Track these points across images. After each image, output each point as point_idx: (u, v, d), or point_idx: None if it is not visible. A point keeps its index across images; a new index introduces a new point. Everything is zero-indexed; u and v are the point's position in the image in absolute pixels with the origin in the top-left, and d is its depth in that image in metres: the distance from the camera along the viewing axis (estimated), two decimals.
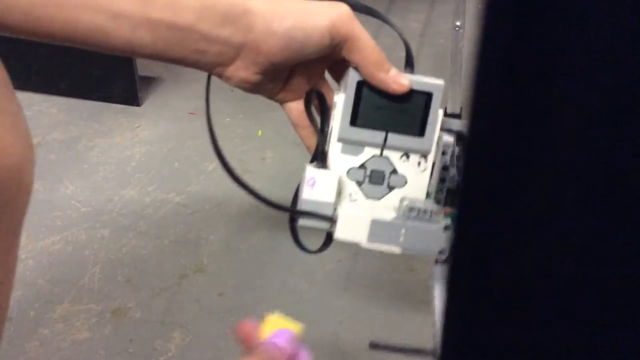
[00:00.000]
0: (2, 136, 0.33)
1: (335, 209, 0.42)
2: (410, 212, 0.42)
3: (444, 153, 0.43)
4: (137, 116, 1.35)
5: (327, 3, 0.40)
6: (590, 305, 0.23)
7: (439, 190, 0.44)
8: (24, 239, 1.01)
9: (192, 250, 0.98)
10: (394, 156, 0.44)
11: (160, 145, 1.25)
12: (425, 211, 0.42)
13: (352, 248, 0.97)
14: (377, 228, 0.41)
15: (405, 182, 0.44)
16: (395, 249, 0.42)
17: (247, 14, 0.38)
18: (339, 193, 0.43)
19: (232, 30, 0.38)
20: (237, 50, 0.39)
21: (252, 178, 1.15)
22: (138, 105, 1.39)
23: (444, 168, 0.43)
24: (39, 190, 1.12)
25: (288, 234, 0.44)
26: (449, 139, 0.44)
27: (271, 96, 0.45)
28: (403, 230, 0.41)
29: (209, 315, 0.87)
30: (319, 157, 0.43)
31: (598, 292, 0.23)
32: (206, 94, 0.44)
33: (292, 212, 0.42)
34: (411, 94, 0.43)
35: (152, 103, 1.40)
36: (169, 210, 1.07)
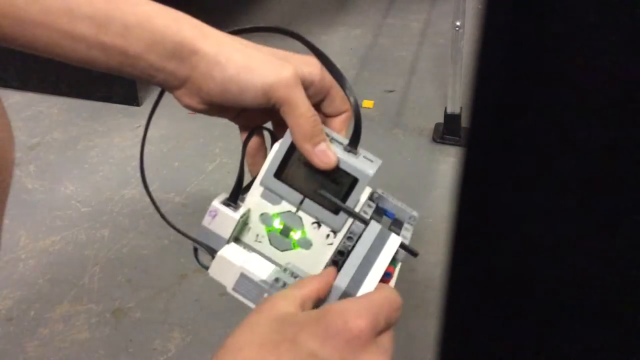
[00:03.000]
0: None
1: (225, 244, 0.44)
2: (277, 282, 0.42)
3: (348, 238, 0.43)
4: (137, 116, 1.35)
5: (272, 62, 0.41)
6: (590, 305, 0.23)
7: (334, 261, 0.43)
8: (24, 239, 1.01)
9: (192, 250, 0.98)
10: (307, 219, 0.44)
11: (160, 145, 1.25)
12: (296, 278, 0.43)
13: None
14: (244, 282, 0.43)
15: (310, 246, 0.44)
16: (254, 307, 0.42)
17: (194, 54, 0.40)
18: (247, 229, 0.45)
19: (178, 64, 0.40)
20: (182, 81, 0.41)
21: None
22: (138, 105, 1.39)
23: (340, 253, 0.43)
24: (39, 190, 1.12)
25: None
26: (357, 229, 0.43)
27: (228, 118, 0.46)
28: (265, 294, 0.42)
29: (209, 315, 0.87)
30: (232, 195, 0.45)
31: (598, 291, 0.23)
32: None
33: (190, 238, 0.47)
34: (340, 171, 0.42)
35: (152, 103, 1.40)
36: (169, 210, 1.07)
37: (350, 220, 0.43)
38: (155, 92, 0.46)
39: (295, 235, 0.44)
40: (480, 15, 0.20)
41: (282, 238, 0.45)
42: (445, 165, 1.19)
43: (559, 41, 0.19)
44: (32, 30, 0.37)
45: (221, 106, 0.42)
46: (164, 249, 0.99)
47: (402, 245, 0.42)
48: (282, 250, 0.45)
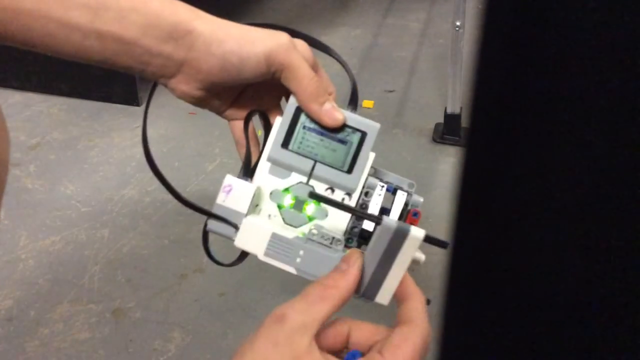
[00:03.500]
0: None
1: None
2: (312, 235, 0.41)
3: (366, 194, 0.43)
4: (137, 116, 1.35)
5: (268, 31, 0.41)
6: (590, 305, 0.23)
7: (353, 227, 0.43)
8: (23, 239, 1.01)
9: (192, 250, 0.98)
10: (320, 187, 0.43)
11: (160, 145, 1.25)
12: (327, 237, 0.41)
13: None
14: (276, 243, 0.41)
15: (326, 215, 0.43)
16: (290, 269, 0.41)
17: (190, 34, 0.40)
18: (258, 211, 0.43)
19: (174, 47, 0.40)
20: (178, 66, 0.41)
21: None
22: (138, 105, 1.39)
23: (363, 207, 0.43)
24: (39, 190, 1.12)
25: None
26: (374, 181, 0.43)
27: (218, 112, 0.47)
28: (301, 252, 0.41)
29: (209, 315, 0.87)
30: (244, 169, 0.44)
31: (598, 292, 0.23)
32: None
33: (204, 213, 0.43)
34: (347, 129, 0.43)
35: (152, 103, 1.39)
36: (169, 210, 1.07)
37: (364, 177, 0.43)
38: (156, 92, 0.46)
39: (309, 207, 0.43)
40: (480, 15, 0.20)
41: (295, 213, 0.43)
42: (445, 165, 1.19)
43: (559, 41, 0.19)
44: (27, 21, 0.37)
45: (219, 87, 0.42)
46: (164, 249, 0.99)
47: (427, 238, 0.37)
48: (297, 227, 0.43)
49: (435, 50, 1.64)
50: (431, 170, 1.18)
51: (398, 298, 0.40)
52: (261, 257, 0.41)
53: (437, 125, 1.30)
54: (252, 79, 0.42)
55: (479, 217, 0.23)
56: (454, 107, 1.25)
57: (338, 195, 0.43)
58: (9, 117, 0.45)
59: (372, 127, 0.43)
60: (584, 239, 0.22)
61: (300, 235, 0.42)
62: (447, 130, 1.27)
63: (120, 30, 0.38)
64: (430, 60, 1.60)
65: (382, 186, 0.43)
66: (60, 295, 0.90)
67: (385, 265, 0.37)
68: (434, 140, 1.27)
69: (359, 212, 0.41)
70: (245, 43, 0.40)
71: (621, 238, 0.21)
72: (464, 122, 1.21)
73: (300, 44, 0.43)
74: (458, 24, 1.16)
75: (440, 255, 1.04)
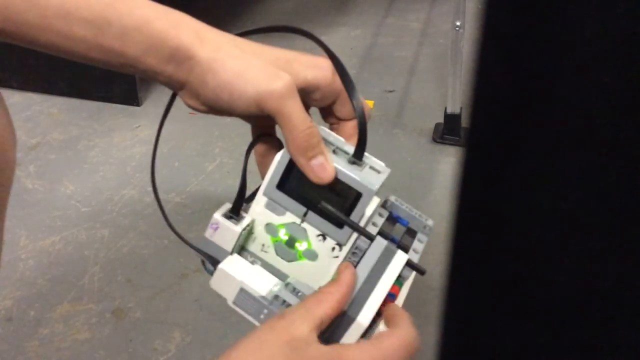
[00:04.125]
0: None
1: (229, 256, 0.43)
2: (276, 299, 0.41)
3: (353, 254, 0.42)
4: (137, 116, 1.35)
5: (266, 72, 0.39)
6: (590, 305, 0.23)
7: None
8: (23, 239, 1.01)
9: (192, 250, 0.98)
10: (312, 231, 0.43)
11: (161, 145, 1.24)
12: (299, 294, 0.42)
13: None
14: (244, 297, 0.42)
15: (316, 257, 0.43)
16: (255, 322, 0.42)
17: (190, 59, 0.39)
18: (253, 239, 0.44)
19: (175, 68, 0.40)
20: (181, 85, 0.41)
21: (252, 177, 1.14)
22: (138, 105, 1.39)
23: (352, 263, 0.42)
24: (39, 190, 1.12)
25: None
26: (363, 244, 0.42)
27: (241, 118, 0.46)
28: (265, 311, 0.41)
29: (209, 315, 0.87)
30: (233, 208, 0.44)
31: (598, 292, 0.22)
32: (165, 110, 0.46)
33: (192, 247, 0.45)
34: (342, 184, 0.40)
35: (152, 103, 1.40)
36: (169, 210, 1.06)
37: (356, 234, 0.42)
38: (156, 92, 0.46)
39: (301, 246, 0.43)
40: (480, 15, 0.20)
41: (287, 249, 0.44)
42: (445, 165, 1.19)
43: (559, 41, 0.19)
44: (30, 32, 0.38)
45: (219, 110, 0.42)
46: (164, 249, 0.99)
47: (408, 263, 0.41)
48: (288, 261, 0.44)
49: (435, 50, 1.64)
50: (431, 170, 1.18)
51: (385, 320, 0.41)
52: (230, 303, 0.43)
53: (437, 125, 1.30)
54: (245, 115, 0.41)
55: (479, 217, 0.23)
56: (454, 107, 1.25)
57: (329, 244, 0.43)
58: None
59: (367, 189, 0.40)
60: (583, 238, 0.22)
61: (271, 291, 0.42)
62: (447, 130, 1.27)
63: (123, 47, 0.38)
64: (430, 60, 1.60)
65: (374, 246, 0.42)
66: (60, 295, 0.90)
67: (372, 283, 0.39)
68: (434, 140, 1.27)
69: (359, 229, 0.41)
70: (238, 80, 0.39)
71: (621, 238, 0.21)
72: (464, 122, 1.21)
73: (320, 64, 0.40)
74: (458, 24, 1.16)
75: (440, 256, 1.04)
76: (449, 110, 1.26)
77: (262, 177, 0.44)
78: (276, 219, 0.43)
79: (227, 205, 0.44)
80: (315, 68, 0.41)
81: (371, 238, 0.41)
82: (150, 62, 0.39)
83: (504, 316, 0.24)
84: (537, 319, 0.24)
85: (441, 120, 1.28)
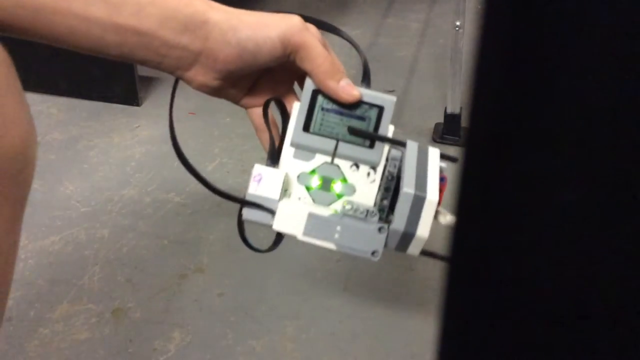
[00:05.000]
0: (11, 109, 0.36)
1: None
2: (346, 209, 0.43)
3: (391, 165, 0.44)
4: (137, 116, 1.35)
5: (280, 15, 0.43)
6: (590, 305, 0.23)
7: (382, 198, 0.44)
8: (24, 239, 1.01)
9: (192, 250, 0.98)
10: (345, 165, 0.44)
11: (160, 145, 1.25)
12: (361, 210, 0.43)
13: None
14: (314, 222, 0.42)
15: (354, 191, 0.45)
16: (330, 245, 0.43)
17: (206, 24, 0.41)
18: (288, 195, 0.45)
19: (191, 38, 0.41)
20: (195, 56, 0.42)
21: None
22: (138, 105, 1.39)
23: (390, 178, 0.43)
24: (39, 190, 1.12)
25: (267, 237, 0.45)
26: (396, 152, 0.44)
27: (235, 101, 0.49)
28: (338, 227, 0.42)
29: (209, 315, 0.87)
30: (270, 157, 0.45)
31: (598, 292, 0.23)
32: (172, 94, 0.48)
33: (238, 201, 0.44)
34: (364, 106, 0.44)
35: (152, 103, 1.40)
36: (169, 210, 1.07)
37: (386, 150, 0.44)
38: (156, 92, 0.47)
39: (336, 186, 0.44)
40: (480, 15, 0.20)
41: (324, 193, 0.45)
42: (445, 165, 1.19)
43: (559, 40, 0.19)
44: (49, 17, 0.38)
45: (236, 76, 0.44)
46: (163, 249, 0.99)
47: (441, 155, 0.44)
48: (328, 205, 0.45)
49: (435, 50, 1.64)
50: None
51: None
52: (300, 237, 0.43)
53: (437, 125, 1.30)
54: (268, 64, 0.43)
55: (479, 217, 0.23)
56: (453, 107, 1.25)
57: (363, 171, 0.44)
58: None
59: (388, 100, 0.44)
60: (584, 238, 0.22)
61: (335, 212, 0.43)
62: (447, 130, 1.27)
63: (138, 23, 0.40)
64: (430, 60, 1.60)
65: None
66: (60, 295, 0.90)
67: (423, 173, 0.42)
68: (434, 140, 1.27)
69: (390, 140, 0.43)
70: (260, 28, 0.41)
71: (622, 238, 0.21)
72: (464, 122, 1.21)
73: (311, 26, 0.44)
74: (458, 24, 1.16)
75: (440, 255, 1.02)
76: (448, 110, 1.26)
77: (265, 147, 0.47)
78: (307, 166, 0.45)
79: (258, 164, 0.44)
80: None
81: (403, 143, 0.44)
82: (165, 35, 0.40)
83: (504, 316, 0.25)
84: (537, 319, 0.24)
85: (441, 120, 1.28)
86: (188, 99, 1.35)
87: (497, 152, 0.22)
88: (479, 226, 0.23)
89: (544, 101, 0.20)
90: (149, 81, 1.43)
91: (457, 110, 1.25)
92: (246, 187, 0.45)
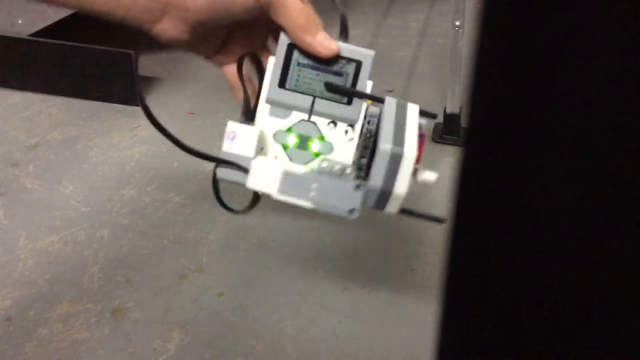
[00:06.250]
0: None
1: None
2: (323, 167, 0.42)
3: (369, 123, 0.43)
4: (136, 116, 1.35)
5: None
6: (589, 305, 0.23)
7: (360, 156, 0.43)
8: (23, 239, 1.01)
9: (192, 250, 0.98)
10: (322, 122, 0.43)
11: (160, 145, 1.25)
12: (337, 168, 0.42)
13: (352, 248, 0.97)
14: (289, 180, 0.41)
15: (332, 149, 0.43)
16: (306, 203, 0.41)
17: None
18: (264, 154, 0.44)
19: None
20: (163, 7, 0.39)
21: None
22: (137, 105, 1.39)
23: (368, 136, 0.43)
24: (38, 190, 1.12)
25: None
26: (374, 109, 0.43)
27: (207, 57, 0.46)
28: (314, 185, 0.41)
29: (208, 315, 0.87)
30: (245, 114, 0.44)
31: (598, 292, 0.22)
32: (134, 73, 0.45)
33: (211, 159, 0.42)
34: (341, 61, 0.42)
35: (152, 103, 1.39)
36: (168, 210, 1.07)
37: (364, 107, 0.43)
38: (155, 92, 0.46)
39: (314, 144, 0.43)
40: (479, 15, 0.20)
41: (301, 151, 0.44)
42: (445, 166, 1.19)
43: (558, 40, 0.19)
44: None
45: (207, 28, 0.41)
46: (163, 249, 0.99)
47: (421, 111, 0.42)
48: (305, 164, 0.44)
49: (435, 50, 1.64)
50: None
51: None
52: (275, 195, 0.42)
53: (436, 125, 1.30)
54: (242, 16, 0.41)
55: (478, 216, 0.23)
56: (453, 107, 1.25)
57: (340, 129, 0.43)
58: (8, 117, 0.45)
59: (366, 55, 0.42)
60: (583, 238, 0.22)
61: (311, 170, 0.42)
62: (446, 130, 1.27)
63: None
64: (429, 60, 1.60)
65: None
66: (59, 295, 0.90)
67: (401, 128, 0.40)
68: (434, 140, 1.27)
69: (368, 96, 0.42)
70: None
71: (620, 238, 0.21)
72: (464, 122, 1.21)
73: None
74: (457, 23, 1.17)
75: (440, 255, 1.04)
76: (448, 110, 1.26)
77: (239, 101, 0.45)
78: (283, 123, 0.43)
79: (232, 122, 0.43)
80: None
81: (381, 100, 0.42)
82: None
83: (503, 316, 0.25)
84: (537, 319, 0.24)
85: (440, 120, 1.28)
86: (187, 99, 1.35)
87: (496, 151, 0.22)
88: (478, 226, 0.23)
89: (542, 101, 0.20)
90: (148, 81, 1.43)
91: (456, 110, 1.25)
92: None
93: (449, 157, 1.22)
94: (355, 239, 0.99)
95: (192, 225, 1.03)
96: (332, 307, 0.89)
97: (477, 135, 0.22)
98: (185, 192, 1.11)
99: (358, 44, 0.46)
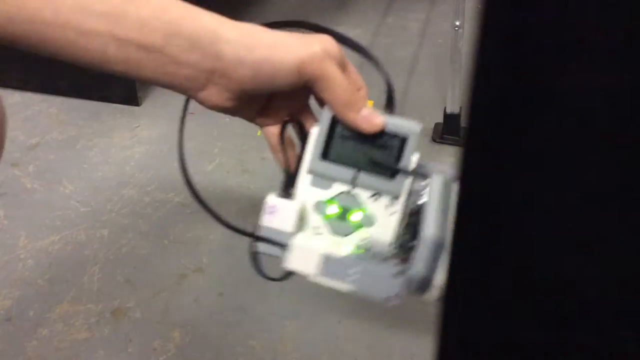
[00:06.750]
0: None
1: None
2: (363, 245, 0.41)
3: (413, 199, 0.41)
4: (136, 116, 1.35)
5: (300, 39, 0.40)
6: (589, 305, 0.23)
7: (403, 234, 0.42)
8: (23, 239, 1.01)
9: (192, 250, 0.98)
10: (364, 195, 0.42)
11: (160, 145, 1.25)
12: (378, 254, 0.41)
13: None
14: (328, 263, 0.40)
15: (373, 222, 0.42)
16: (343, 287, 0.40)
17: (217, 42, 0.38)
18: (303, 225, 0.43)
19: (200, 56, 0.39)
20: (207, 75, 0.40)
21: (251, 178, 1.15)
22: (137, 105, 1.39)
23: (412, 214, 0.41)
24: (38, 190, 1.12)
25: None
26: (418, 187, 0.41)
27: (250, 120, 0.46)
28: (353, 269, 0.40)
29: (208, 315, 0.87)
30: (284, 187, 0.43)
31: (598, 292, 0.23)
32: (182, 114, 0.46)
33: (250, 235, 0.42)
34: (386, 134, 0.41)
35: (152, 103, 1.40)
36: (168, 210, 1.07)
37: (408, 182, 0.41)
38: (155, 91, 0.46)
39: (355, 215, 0.42)
40: (479, 14, 0.20)
41: (342, 223, 0.42)
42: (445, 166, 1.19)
43: (558, 40, 0.19)
44: (45, 31, 0.37)
45: (251, 95, 0.41)
46: (163, 249, 0.99)
47: None
48: (345, 236, 0.43)
49: (435, 50, 1.64)
50: None
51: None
52: (313, 278, 0.41)
53: (436, 125, 1.30)
54: (285, 88, 0.40)
55: (478, 216, 0.23)
56: (453, 107, 1.25)
57: (382, 202, 0.42)
58: (8, 117, 0.45)
59: (412, 130, 0.41)
60: (584, 238, 0.22)
61: (350, 253, 0.41)
62: (446, 130, 1.27)
63: (141, 38, 0.38)
64: (429, 60, 1.60)
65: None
66: (59, 295, 0.90)
67: (446, 211, 0.39)
68: (434, 140, 1.27)
69: (414, 173, 0.41)
70: (277, 52, 0.39)
71: (621, 238, 0.21)
72: (464, 122, 1.21)
73: (328, 40, 0.41)
74: (457, 23, 1.17)
75: None
76: (448, 110, 1.26)
77: (282, 164, 0.45)
78: (325, 194, 0.42)
79: (273, 192, 0.42)
80: (326, 40, 0.41)
81: (427, 175, 0.41)
82: (171, 52, 0.38)
83: (504, 316, 0.25)
84: (537, 319, 0.24)
85: (441, 120, 1.28)
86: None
87: (496, 152, 0.22)
88: (478, 226, 0.23)
89: (542, 100, 0.20)
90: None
91: (456, 110, 1.25)
92: (256, 217, 0.43)
93: (449, 157, 1.22)
94: None
95: (192, 225, 1.03)
96: (332, 307, 0.89)
97: (477, 135, 0.22)
98: (185, 192, 1.11)
99: (383, 67, 0.45)
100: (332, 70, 0.39)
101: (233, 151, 1.22)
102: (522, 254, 0.23)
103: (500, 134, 0.21)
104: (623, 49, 0.19)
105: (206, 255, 0.98)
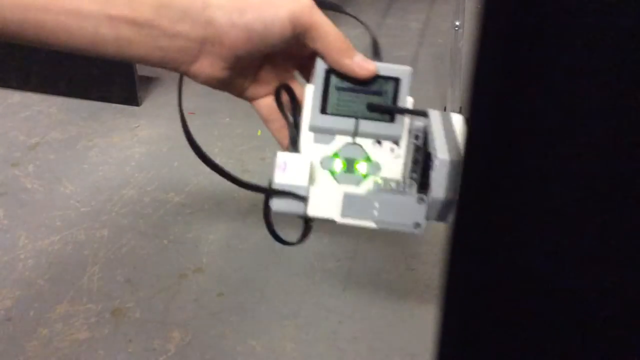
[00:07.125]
0: None
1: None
2: (380, 185, 0.42)
3: (416, 137, 0.43)
4: (136, 116, 1.35)
5: None
6: (589, 306, 0.23)
7: (412, 171, 0.44)
8: (23, 239, 1.01)
9: (192, 250, 0.98)
10: (367, 143, 0.43)
11: (160, 145, 1.25)
12: (398, 183, 0.42)
13: (352, 248, 0.97)
14: (350, 202, 0.41)
15: (380, 169, 0.43)
16: (370, 224, 0.41)
17: (207, 8, 0.39)
18: (313, 182, 0.43)
19: (191, 24, 0.39)
20: (199, 45, 0.40)
21: (251, 177, 1.15)
22: (137, 105, 1.39)
23: (416, 150, 0.43)
24: (38, 190, 1.12)
25: (288, 233, 0.44)
26: (419, 123, 0.43)
27: (240, 93, 0.47)
28: (376, 204, 0.41)
29: (208, 315, 0.87)
30: (291, 144, 0.44)
31: (598, 292, 0.23)
32: (178, 91, 0.46)
33: (266, 191, 0.42)
34: (379, 80, 0.43)
35: (152, 103, 1.40)
36: (168, 210, 1.07)
37: (407, 123, 0.43)
38: (155, 92, 0.46)
39: (361, 166, 0.44)
40: (479, 14, 0.20)
41: (349, 175, 0.43)
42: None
43: (558, 40, 0.19)
44: (38, 16, 0.37)
45: (243, 62, 0.42)
46: (163, 249, 0.99)
47: (466, 120, 0.43)
48: (356, 186, 0.44)
49: (435, 50, 1.64)
50: None
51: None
52: (338, 219, 0.42)
53: None
54: (278, 45, 0.41)
55: (478, 216, 0.23)
56: (453, 107, 1.25)
57: (386, 148, 0.43)
58: (8, 117, 0.45)
59: (404, 71, 0.43)
60: (584, 239, 0.22)
61: (369, 190, 0.42)
62: None
63: (132, 12, 0.38)
64: (429, 60, 1.60)
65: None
66: (59, 295, 0.90)
67: (452, 140, 0.40)
68: None
69: (412, 111, 0.42)
70: (268, 8, 0.40)
71: (621, 239, 0.21)
72: None
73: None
74: (457, 23, 1.17)
75: (440, 255, 1.04)
76: (448, 110, 1.26)
77: (277, 138, 0.46)
78: (329, 149, 0.44)
79: (281, 152, 0.43)
80: None
81: (425, 113, 0.43)
82: (163, 24, 0.39)
83: (504, 316, 0.25)
84: (537, 319, 0.24)
85: None
86: (187, 99, 1.35)
87: (496, 152, 0.22)
88: (478, 226, 0.23)
89: (542, 101, 0.20)
90: (148, 81, 1.43)
91: (456, 110, 1.25)
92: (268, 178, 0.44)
93: None
94: (355, 239, 0.99)
95: (192, 225, 1.03)
96: (332, 307, 0.89)
97: (477, 135, 0.22)
98: (185, 192, 1.11)
99: (358, 44, 0.46)
100: (323, 19, 0.41)
101: (233, 151, 1.22)
102: (523, 254, 0.23)
103: (500, 134, 0.21)
104: (623, 49, 0.19)
105: (206, 255, 0.98)
